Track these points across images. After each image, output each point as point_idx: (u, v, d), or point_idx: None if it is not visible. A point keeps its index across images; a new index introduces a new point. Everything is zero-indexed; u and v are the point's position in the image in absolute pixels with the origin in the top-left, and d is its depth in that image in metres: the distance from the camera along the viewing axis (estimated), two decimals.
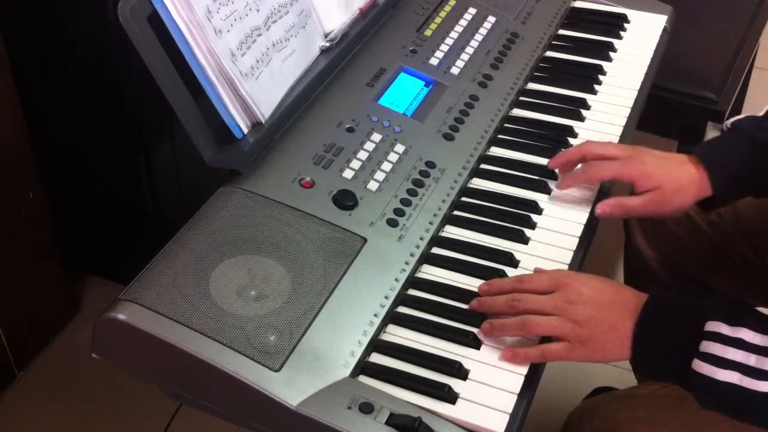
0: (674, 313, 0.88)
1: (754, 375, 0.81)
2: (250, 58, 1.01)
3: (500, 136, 1.17)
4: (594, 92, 1.27)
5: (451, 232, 1.03)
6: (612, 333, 0.87)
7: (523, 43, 1.32)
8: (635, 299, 0.89)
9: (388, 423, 0.79)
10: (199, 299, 0.85)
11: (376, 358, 0.88)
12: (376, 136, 1.08)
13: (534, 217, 1.05)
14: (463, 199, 1.07)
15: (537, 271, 0.97)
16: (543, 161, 1.13)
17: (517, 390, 0.86)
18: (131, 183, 1.58)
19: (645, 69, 1.32)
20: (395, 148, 1.08)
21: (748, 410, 0.83)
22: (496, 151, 1.15)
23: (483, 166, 1.12)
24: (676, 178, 1.03)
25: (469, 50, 1.27)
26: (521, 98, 1.25)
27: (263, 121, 1.03)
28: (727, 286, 1.28)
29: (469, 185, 1.10)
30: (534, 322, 0.88)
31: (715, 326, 0.84)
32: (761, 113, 1.08)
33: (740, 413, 0.85)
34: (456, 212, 1.05)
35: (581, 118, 1.22)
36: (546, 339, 0.90)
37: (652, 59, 1.34)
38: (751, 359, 0.82)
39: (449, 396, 0.84)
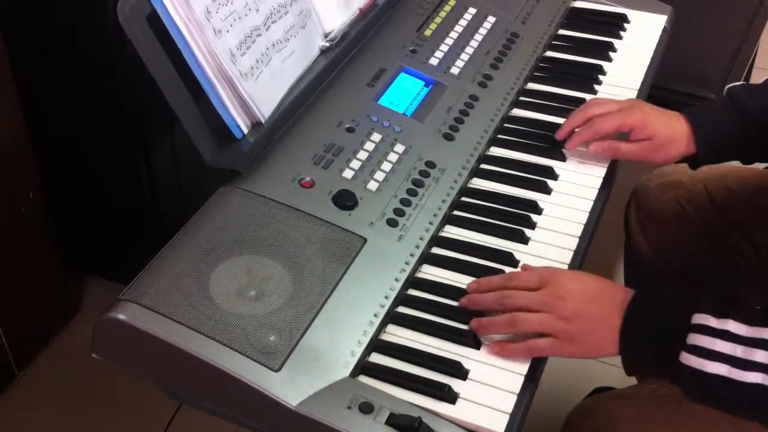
0: (661, 307, 0.88)
1: (741, 366, 0.82)
2: (250, 58, 1.01)
3: (500, 136, 1.17)
4: (594, 92, 1.27)
5: (451, 232, 1.03)
6: (600, 328, 0.88)
7: (523, 43, 1.32)
8: (623, 294, 0.90)
9: (388, 423, 0.79)
10: (199, 299, 0.85)
11: (376, 358, 0.88)
12: (376, 136, 1.08)
13: (534, 217, 1.05)
14: (463, 199, 1.07)
15: (524, 268, 0.97)
16: (543, 161, 1.13)
17: (517, 390, 0.86)
18: (131, 183, 1.57)
19: (645, 69, 1.32)
20: (395, 148, 1.08)
21: (738, 402, 0.84)
22: (496, 151, 1.15)
23: (483, 166, 1.12)
24: (670, 129, 1.11)
25: (469, 50, 1.27)
26: (521, 98, 1.24)
27: (263, 121, 1.03)
28: (728, 286, 1.28)
29: (469, 185, 1.10)
30: (522, 319, 0.89)
31: (702, 318, 0.84)
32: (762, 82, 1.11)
33: (730, 405, 0.86)
34: (456, 212, 1.05)
35: None
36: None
37: (652, 59, 1.34)
38: (738, 351, 0.82)
39: (449, 396, 0.84)
